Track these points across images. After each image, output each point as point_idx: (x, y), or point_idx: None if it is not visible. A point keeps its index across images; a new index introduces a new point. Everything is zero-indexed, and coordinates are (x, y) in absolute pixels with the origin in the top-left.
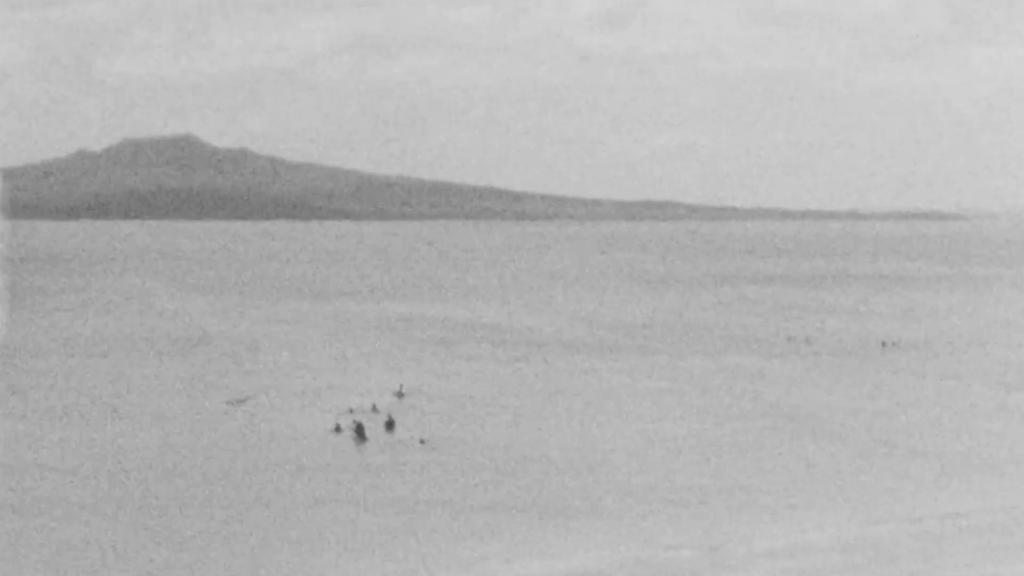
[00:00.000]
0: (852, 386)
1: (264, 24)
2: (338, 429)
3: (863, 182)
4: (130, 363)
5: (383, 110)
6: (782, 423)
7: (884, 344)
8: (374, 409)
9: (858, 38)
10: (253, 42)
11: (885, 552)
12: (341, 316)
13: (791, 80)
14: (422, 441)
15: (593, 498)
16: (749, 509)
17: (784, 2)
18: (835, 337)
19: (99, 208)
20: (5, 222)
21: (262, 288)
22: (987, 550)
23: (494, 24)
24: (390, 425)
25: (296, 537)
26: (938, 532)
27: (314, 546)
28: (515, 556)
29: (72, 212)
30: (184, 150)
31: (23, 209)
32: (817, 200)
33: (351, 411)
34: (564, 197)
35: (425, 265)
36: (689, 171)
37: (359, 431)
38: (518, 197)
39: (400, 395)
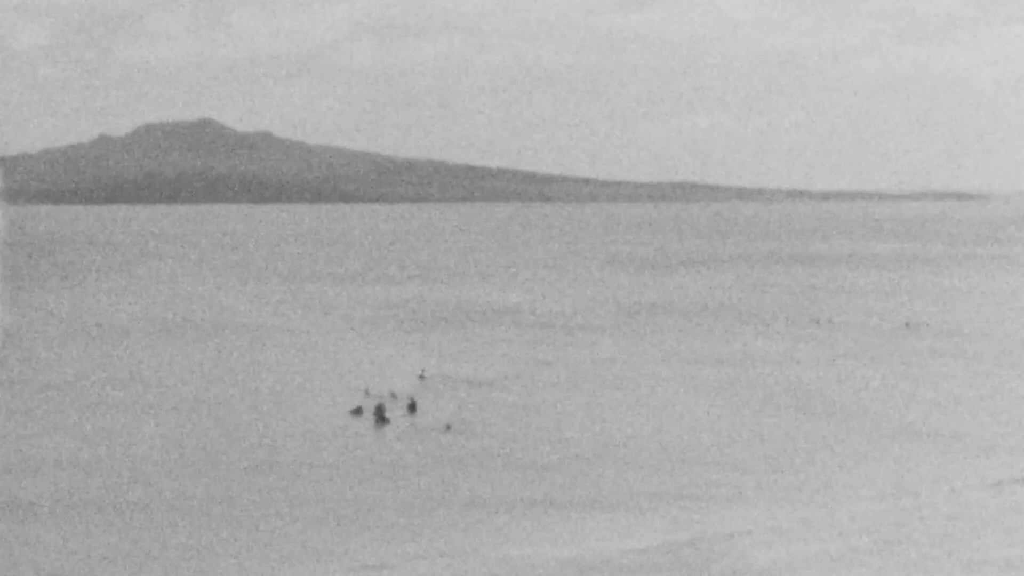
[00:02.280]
0: (875, 367)
1: (285, 8)
2: (358, 411)
3: (888, 163)
4: (149, 347)
5: (405, 93)
6: (804, 404)
7: (908, 325)
8: (392, 395)
9: (881, 19)
10: (274, 26)
11: (910, 532)
12: (363, 299)
13: (814, 62)
14: (448, 427)
15: (618, 484)
16: (771, 491)
17: None
18: (859, 318)
19: (121, 193)
20: (7, 207)
21: (283, 271)
22: (1018, 529)
23: (515, 7)
24: (412, 408)
25: (320, 525)
26: (965, 511)
27: (336, 534)
28: (539, 542)
29: (94, 197)
30: (205, 134)
31: (44, 194)
32: (841, 181)
33: (367, 393)
34: (588, 179)
35: (448, 248)
36: (712, 152)
37: (379, 414)
38: (541, 179)
39: (422, 378)
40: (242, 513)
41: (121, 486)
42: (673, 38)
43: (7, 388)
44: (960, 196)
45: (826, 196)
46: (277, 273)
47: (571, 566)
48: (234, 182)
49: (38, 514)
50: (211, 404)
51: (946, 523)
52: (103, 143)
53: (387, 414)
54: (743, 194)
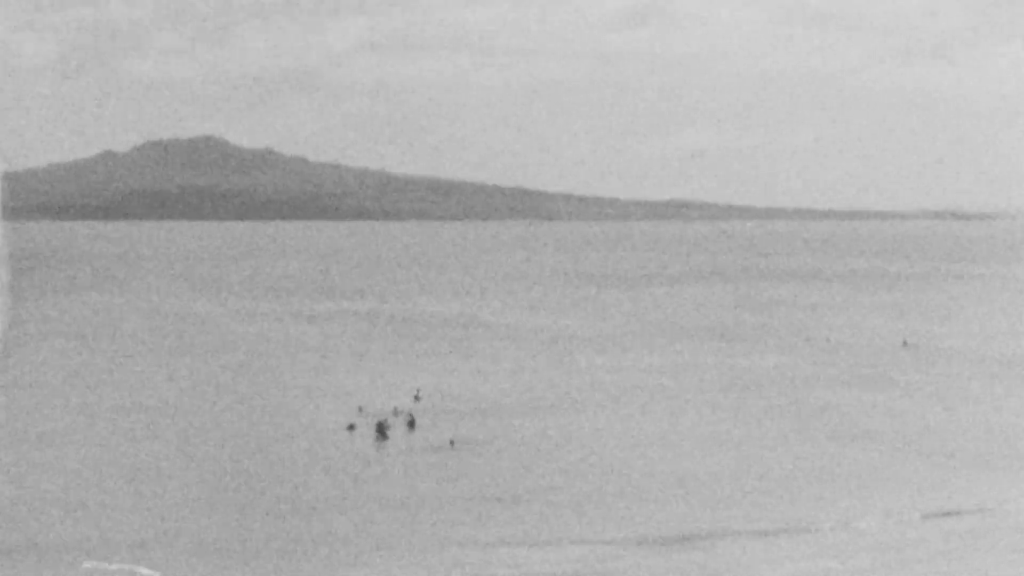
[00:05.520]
0: (872, 386)
1: (288, 25)
2: (351, 428)
3: (888, 181)
4: (149, 364)
5: (408, 110)
6: (802, 421)
7: (906, 344)
8: (396, 412)
9: (881, 38)
10: (277, 44)
11: (911, 550)
12: (364, 315)
13: (814, 80)
14: (452, 442)
15: (615, 502)
16: (771, 505)
17: (807, 2)
18: (857, 336)
19: (125, 208)
20: (6, 223)
21: (286, 288)
22: (1017, 549)
23: (517, 24)
24: (411, 425)
25: (331, 548)
26: (966, 530)
27: (346, 557)
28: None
29: (97, 212)
30: (209, 150)
31: (49, 209)
32: (841, 200)
33: (360, 410)
34: (589, 197)
35: (449, 265)
36: (713, 170)
37: (381, 430)
38: (544, 197)
39: (417, 398)
40: (253, 542)
41: (122, 521)
42: (674, 56)
43: (6, 410)
44: (960, 215)
45: (826, 215)
46: (277, 290)
47: None
48: (237, 198)
49: (37, 555)
50: (210, 425)
51: (948, 541)
52: (107, 159)
53: (388, 431)
54: (744, 212)
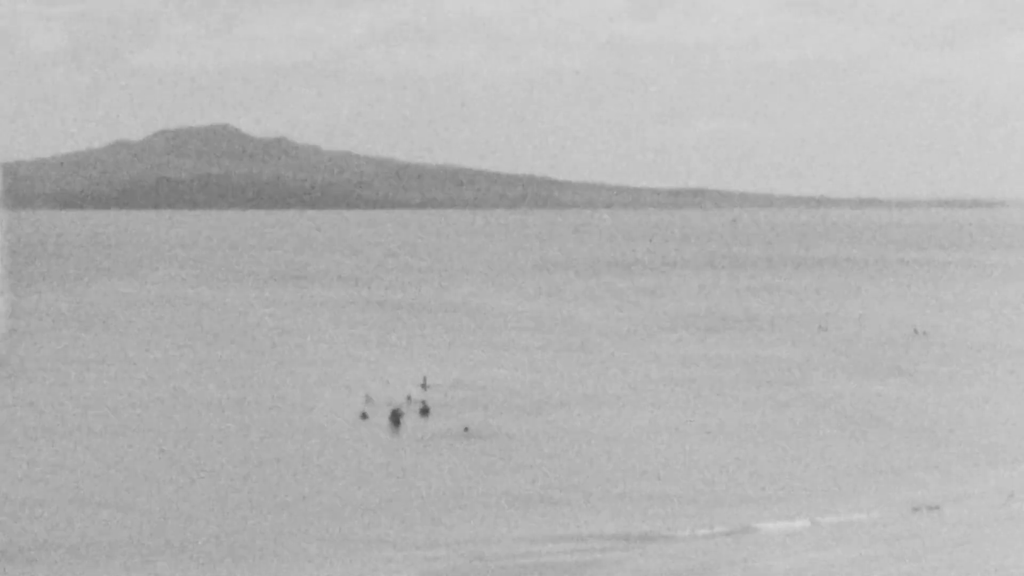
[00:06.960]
0: (882, 373)
1: (300, 14)
2: (364, 417)
3: (902, 169)
4: (158, 352)
5: (420, 98)
6: (814, 410)
7: (916, 331)
8: (409, 399)
9: (894, 26)
10: (290, 32)
11: (925, 540)
12: (376, 304)
13: (828, 68)
14: (466, 429)
15: (632, 485)
16: (786, 498)
17: None
18: (866, 324)
19: (137, 197)
20: (7, 212)
21: (299, 276)
22: None
23: (529, 13)
24: (424, 412)
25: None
26: (980, 520)
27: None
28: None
29: (110, 201)
30: (222, 139)
31: (61, 198)
32: (855, 188)
33: (368, 399)
34: (602, 185)
35: (462, 253)
36: (726, 159)
37: (395, 418)
38: (557, 185)
39: (424, 387)
40: (266, 539)
41: (135, 522)
42: (688, 44)
43: (9, 405)
44: (971, 203)
45: (841, 203)
46: (289, 278)
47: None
48: (250, 187)
49: (42, 558)
50: (221, 416)
51: (961, 532)
52: (119, 148)
53: (402, 419)
54: (757, 200)
